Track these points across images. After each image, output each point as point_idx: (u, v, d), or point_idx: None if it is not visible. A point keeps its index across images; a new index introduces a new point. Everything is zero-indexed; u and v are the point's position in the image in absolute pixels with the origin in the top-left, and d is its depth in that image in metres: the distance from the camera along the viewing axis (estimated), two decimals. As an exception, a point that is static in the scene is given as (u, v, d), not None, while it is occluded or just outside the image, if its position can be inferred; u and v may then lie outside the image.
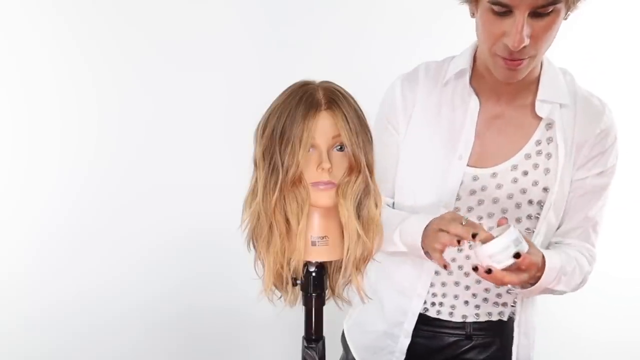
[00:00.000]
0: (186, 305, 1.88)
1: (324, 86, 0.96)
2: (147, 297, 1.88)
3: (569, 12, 1.00)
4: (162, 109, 1.83)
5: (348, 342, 1.36)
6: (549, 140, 1.12)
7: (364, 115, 0.97)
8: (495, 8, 0.95)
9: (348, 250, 0.94)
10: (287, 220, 0.94)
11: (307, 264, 0.98)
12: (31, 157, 1.81)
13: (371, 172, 0.96)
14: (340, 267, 1.00)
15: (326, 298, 1.01)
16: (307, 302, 0.99)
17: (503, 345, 1.25)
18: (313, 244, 0.95)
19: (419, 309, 1.23)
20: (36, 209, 1.82)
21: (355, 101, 0.97)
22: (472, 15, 1.05)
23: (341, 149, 0.93)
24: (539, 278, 1.05)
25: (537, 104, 1.10)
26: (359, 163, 0.92)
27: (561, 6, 0.95)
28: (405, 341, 1.24)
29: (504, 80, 1.04)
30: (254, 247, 0.99)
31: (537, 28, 0.96)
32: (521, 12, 0.93)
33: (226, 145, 1.65)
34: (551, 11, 0.95)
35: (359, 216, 0.95)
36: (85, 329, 1.86)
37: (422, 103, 1.18)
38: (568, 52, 1.74)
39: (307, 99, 0.91)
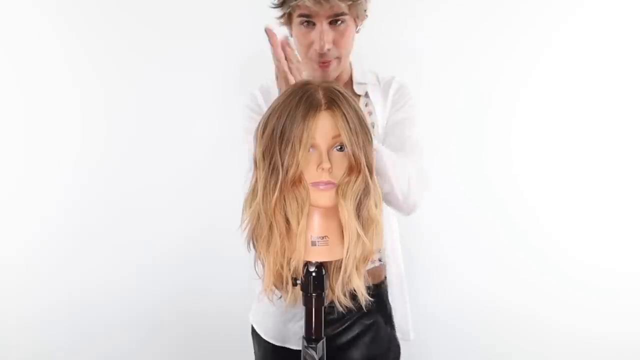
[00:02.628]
0: (186, 308, 1.86)
1: (324, 86, 0.96)
2: (147, 298, 1.87)
3: (359, 26, 1.30)
4: (162, 111, 1.81)
5: (260, 334, 1.36)
6: (370, 113, 1.36)
7: (363, 116, 0.98)
8: (303, 20, 1.23)
9: (348, 250, 0.94)
10: (287, 220, 0.94)
11: (307, 264, 0.98)
12: (32, 157, 1.80)
13: (371, 172, 0.96)
14: (340, 267, 0.99)
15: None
16: (307, 302, 0.99)
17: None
18: (313, 244, 0.94)
19: (279, 299, 1.18)
20: (38, 210, 1.81)
21: (355, 101, 0.98)
22: (291, 35, 1.29)
23: (341, 149, 0.93)
24: None
25: (355, 86, 1.36)
26: (359, 163, 0.92)
27: (348, 18, 1.24)
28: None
29: (321, 79, 1.26)
30: (254, 247, 0.99)
31: (336, 34, 1.24)
32: (321, 21, 1.22)
33: (227, 146, 1.64)
34: (343, 22, 1.24)
35: (358, 216, 0.95)
36: (85, 330, 1.85)
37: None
38: (568, 52, 1.81)
39: (307, 99, 0.92)
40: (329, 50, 1.23)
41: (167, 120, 1.80)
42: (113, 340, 1.86)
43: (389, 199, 1.19)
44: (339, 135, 0.92)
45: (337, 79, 1.34)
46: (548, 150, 1.86)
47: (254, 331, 1.39)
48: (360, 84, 1.37)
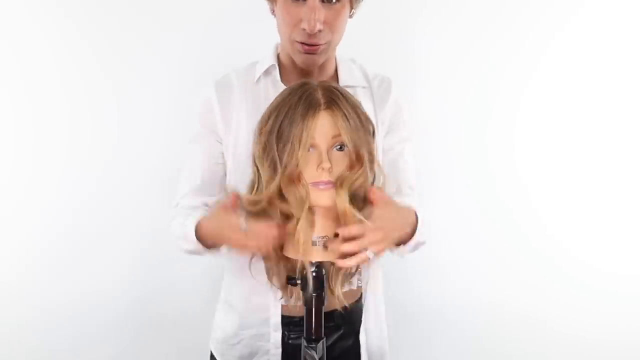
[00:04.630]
0: (178, 307, 1.84)
1: (324, 86, 0.96)
2: (136, 299, 1.84)
3: (353, 10, 1.15)
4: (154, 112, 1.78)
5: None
6: None
7: (363, 110, 0.98)
8: None
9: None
10: (287, 217, 0.94)
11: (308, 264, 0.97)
12: (24, 159, 1.76)
13: (372, 164, 0.97)
14: (340, 268, 0.99)
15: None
16: (306, 302, 0.99)
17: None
18: (313, 243, 0.94)
19: (280, 300, 1.16)
20: (33, 212, 1.77)
21: (354, 99, 0.98)
22: (272, 12, 1.16)
23: (341, 148, 0.93)
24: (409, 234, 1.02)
25: None
26: (362, 160, 0.93)
27: None
28: (277, 335, 1.19)
29: (306, 66, 1.14)
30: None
31: (328, 15, 1.07)
32: None
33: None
34: (338, 1, 1.08)
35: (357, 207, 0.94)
36: (78, 334, 1.82)
37: (240, 104, 1.18)
38: (572, 51, 1.80)
39: (306, 99, 0.92)
40: (319, 31, 1.06)
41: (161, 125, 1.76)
42: (108, 343, 1.84)
43: None
44: (339, 135, 0.92)
45: (320, 70, 1.18)
46: (552, 151, 1.85)
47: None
48: (348, 86, 1.17)
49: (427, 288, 1.85)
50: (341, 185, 0.92)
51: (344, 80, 1.20)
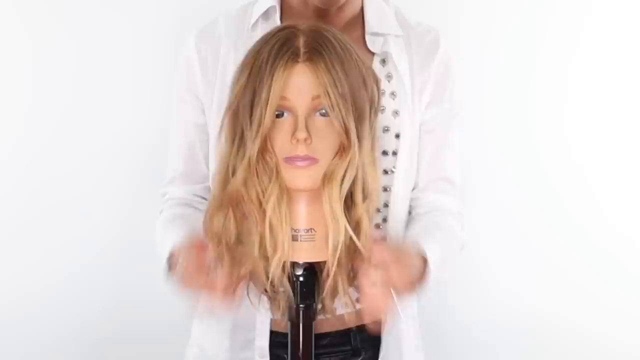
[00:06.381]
0: (124, 327, 1.66)
1: (310, 29, 0.78)
2: (78, 317, 1.66)
3: None
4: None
5: None
6: (388, 77, 1.01)
7: (365, 65, 0.81)
8: None
9: (334, 247, 0.77)
10: (262, 207, 0.78)
11: (293, 266, 0.81)
12: None
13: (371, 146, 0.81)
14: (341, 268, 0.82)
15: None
16: (292, 316, 0.82)
17: None
18: (294, 238, 0.78)
19: (268, 318, 1.01)
20: None
21: (353, 49, 0.79)
22: None
23: (326, 113, 0.76)
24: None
25: (367, 38, 1.00)
26: (348, 133, 0.75)
27: None
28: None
29: (322, 4, 0.94)
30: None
31: None
32: None
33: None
34: None
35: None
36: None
37: (227, 57, 1.00)
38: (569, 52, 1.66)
39: (281, 47, 0.76)
40: None
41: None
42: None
43: None
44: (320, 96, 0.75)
45: (339, 12, 0.99)
46: (616, 131, 1.69)
47: None
48: (376, 34, 1.01)
49: (462, 301, 1.71)
50: (330, 179, 0.76)
51: (371, 27, 1.00)
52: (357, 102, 0.76)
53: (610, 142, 1.69)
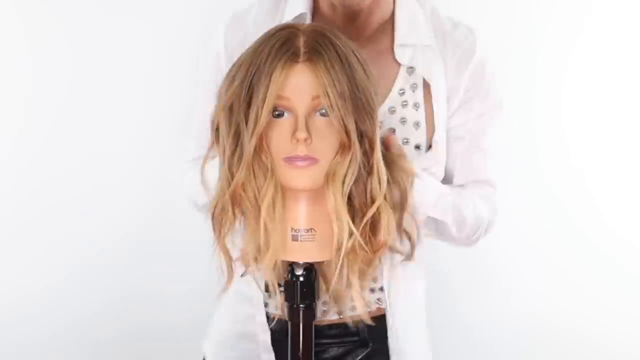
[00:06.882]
0: (132, 325, 1.66)
1: (311, 29, 0.78)
2: (77, 317, 1.67)
3: None
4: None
5: None
6: (414, 87, 0.98)
7: (365, 68, 0.79)
8: None
9: (339, 246, 0.77)
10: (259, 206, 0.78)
11: (292, 266, 0.81)
12: None
13: (372, 146, 0.78)
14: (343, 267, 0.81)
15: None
16: (292, 316, 0.82)
17: None
18: (294, 238, 0.78)
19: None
20: None
21: (354, 49, 0.79)
22: None
23: (326, 114, 0.76)
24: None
25: (396, 50, 0.96)
26: (348, 133, 0.75)
27: None
28: (265, 336, 1.01)
29: (350, 4, 0.91)
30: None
31: None
32: None
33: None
34: None
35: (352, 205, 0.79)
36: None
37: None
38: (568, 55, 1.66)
39: (281, 47, 0.75)
40: None
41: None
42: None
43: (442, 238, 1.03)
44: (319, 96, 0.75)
45: (368, 15, 0.95)
46: (616, 134, 1.70)
47: None
48: (406, 46, 0.96)
49: (463, 301, 1.70)
50: (333, 178, 0.76)
51: (401, 37, 0.96)
52: (361, 100, 0.76)
53: (609, 145, 1.69)
